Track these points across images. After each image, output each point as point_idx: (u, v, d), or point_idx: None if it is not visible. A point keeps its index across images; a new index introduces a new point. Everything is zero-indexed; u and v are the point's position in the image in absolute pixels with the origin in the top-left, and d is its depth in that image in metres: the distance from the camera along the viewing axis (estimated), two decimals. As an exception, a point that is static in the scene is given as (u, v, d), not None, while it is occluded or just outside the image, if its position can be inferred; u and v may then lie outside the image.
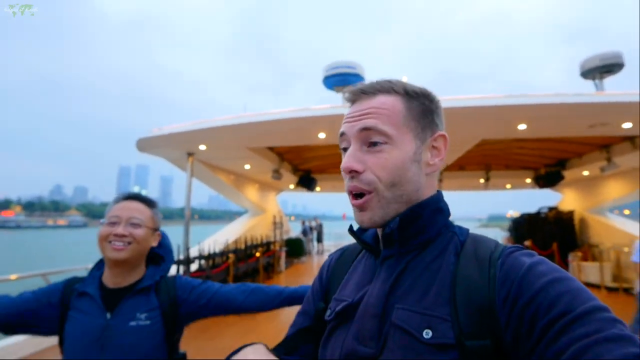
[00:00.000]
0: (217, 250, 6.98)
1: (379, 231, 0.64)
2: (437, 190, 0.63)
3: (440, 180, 10.33)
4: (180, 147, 6.27)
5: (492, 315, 0.47)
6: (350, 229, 0.67)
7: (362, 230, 0.70)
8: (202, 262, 6.33)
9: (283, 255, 10.39)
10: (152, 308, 1.09)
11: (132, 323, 1.04)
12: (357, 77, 5.59)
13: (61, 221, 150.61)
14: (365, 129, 0.58)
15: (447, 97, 4.36)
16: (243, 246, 8.01)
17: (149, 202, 1.17)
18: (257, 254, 7.98)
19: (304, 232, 14.10)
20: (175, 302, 1.14)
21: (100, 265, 1.15)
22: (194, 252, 6.45)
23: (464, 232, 0.61)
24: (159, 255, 1.25)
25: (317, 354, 0.66)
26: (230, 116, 5.25)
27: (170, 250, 1.29)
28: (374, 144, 0.57)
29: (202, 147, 6.12)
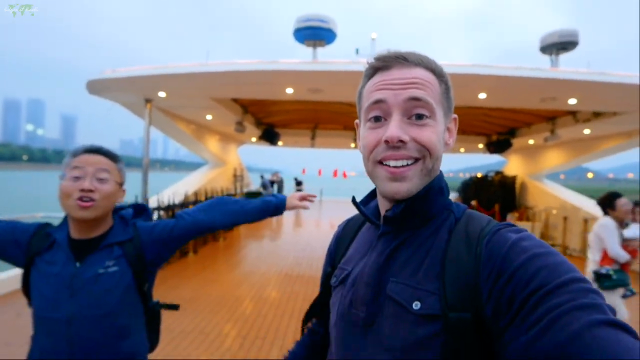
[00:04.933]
0: (177, 201, 6.86)
1: (381, 208, 0.67)
2: (439, 170, 0.64)
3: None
4: (138, 93, 5.85)
5: (476, 290, 0.50)
6: (354, 201, 0.71)
7: (364, 203, 0.74)
8: (162, 212, 6.23)
9: (243, 207, 10.42)
10: (118, 256, 1.08)
11: (101, 270, 1.04)
12: (329, 32, 5.42)
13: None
14: (414, 98, 0.57)
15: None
16: (203, 198, 7.94)
17: (113, 156, 1.10)
18: (218, 206, 7.97)
19: (264, 186, 14.14)
20: (140, 248, 1.13)
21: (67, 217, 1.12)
22: (152, 202, 6.31)
23: (461, 209, 0.62)
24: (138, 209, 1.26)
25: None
26: (194, 63, 4.93)
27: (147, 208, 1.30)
28: (420, 116, 0.57)
29: (162, 94, 5.76)
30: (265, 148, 13.29)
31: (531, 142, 9.30)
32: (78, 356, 0.99)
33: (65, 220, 1.12)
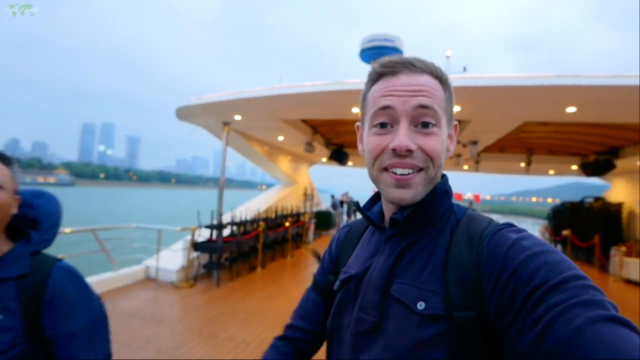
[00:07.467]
0: (249, 217, 7.25)
1: (386, 212, 0.67)
2: (443, 174, 0.65)
3: (477, 162, 9.98)
4: (217, 116, 6.43)
5: (479, 289, 0.50)
6: (357, 206, 0.72)
7: (367, 208, 0.75)
8: (234, 228, 6.62)
9: (312, 227, 10.61)
10: (10, 299, 0.80)
11: None
12: (395, 50, 5.36)
13: (51, 179, 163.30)
14: (422, 106, 0.56)
15: (487, 75, 4.12)
16: (273, 215, 8.25)
17: (5, 160, 0.86)
18: (287, 224, 8.20)
19: (334, 206, 14.23)
20: (42, 298, 0.82)
21: None
22: (226, 217, 6.75)
23: (462, 210, 0.63)
24: (27, 221, 0.92)
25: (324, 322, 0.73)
26: (264, 88, 5.28)
27: (50, 214, 0.94)
28: (426, 124, 0.57)
29: (238, 117, 6.25)
30: (336, 169, 13.47)
31: (641, 163, 7.94)
32: None
33: None
